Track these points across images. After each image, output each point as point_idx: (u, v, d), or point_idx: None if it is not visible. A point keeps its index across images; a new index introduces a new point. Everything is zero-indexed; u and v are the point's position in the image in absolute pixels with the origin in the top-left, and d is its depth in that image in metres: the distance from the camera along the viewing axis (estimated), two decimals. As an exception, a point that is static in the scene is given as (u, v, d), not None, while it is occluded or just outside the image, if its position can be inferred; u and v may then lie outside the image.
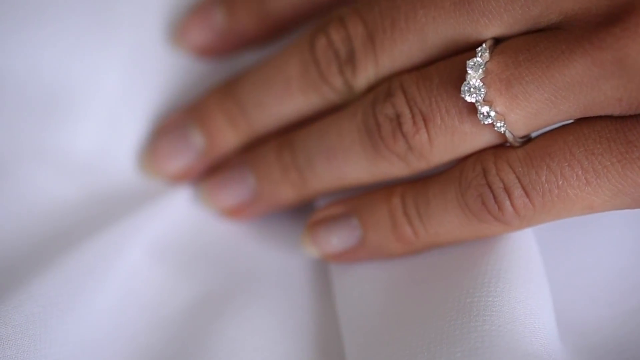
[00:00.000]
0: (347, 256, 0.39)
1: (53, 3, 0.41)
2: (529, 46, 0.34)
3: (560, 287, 0.39)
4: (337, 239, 0.39)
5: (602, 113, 0.34)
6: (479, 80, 0.34)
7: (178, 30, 0.43)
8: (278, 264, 0.42)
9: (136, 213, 0.41)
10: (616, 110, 0.33)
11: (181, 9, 0.43)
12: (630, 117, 0.34)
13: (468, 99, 0.34)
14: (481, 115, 0.34)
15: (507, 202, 0.35)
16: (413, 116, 0.36)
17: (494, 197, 0.35)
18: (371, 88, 0.38)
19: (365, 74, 0.37)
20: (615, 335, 0.38)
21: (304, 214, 0.42)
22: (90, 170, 0.42)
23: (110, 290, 0.39)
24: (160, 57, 0.43)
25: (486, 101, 0.34)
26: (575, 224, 0.40)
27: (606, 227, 0.41)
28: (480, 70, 0.34)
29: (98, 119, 0.42)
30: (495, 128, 0.34)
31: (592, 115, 0.34)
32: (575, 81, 0.33)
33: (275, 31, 0.43)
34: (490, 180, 0.35)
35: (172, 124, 0.42)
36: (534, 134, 0.36)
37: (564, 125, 0.35)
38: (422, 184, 0.37)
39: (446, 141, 0.35)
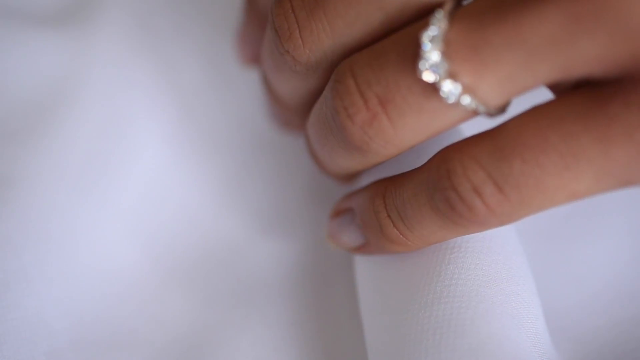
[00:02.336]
0: (362, 251, 0.37)
1: None
2: (495, 4, 0.29)
3: (556, 296, 0.39)
4: (347, 237, 0.37)
5: (583, 74, 0.29)
6: (438, 54, 0.30)
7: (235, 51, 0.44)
8: (280, 273, 0.42)
9: (138, 219, 0.42)
10: (598, 71, 0.29)
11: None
12: (612, 84, 0.30)
13: (426, 78, 0.30)
14: (444, 94, 0.30)
15: (478, 202, 0.31)
16: (366, 102, 0.31)
17: (461, 199, 0.31)
18: (336, 64, 0.33)
19: (320, 47, 0.33)
20: (612, 344, 0.38)
21: (307, 220, 0.43)
22: None
23: (109, 290, 0.40)
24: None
25: (451, 74, 0.30)
26: (572, 233, 0.40)
27: (602, 237, 0.40)
28: (439, 42, 0.30)
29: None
30: (462, 106, 0.30)
31: (572, 76, 0.30)
32: (550, 39, 0.29)
33: None
34: (456, 182, 0.31)
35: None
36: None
37: (536, 107, 0.31)
38: (399, 183, 0.34)
39: (412, 122, 0.31)
